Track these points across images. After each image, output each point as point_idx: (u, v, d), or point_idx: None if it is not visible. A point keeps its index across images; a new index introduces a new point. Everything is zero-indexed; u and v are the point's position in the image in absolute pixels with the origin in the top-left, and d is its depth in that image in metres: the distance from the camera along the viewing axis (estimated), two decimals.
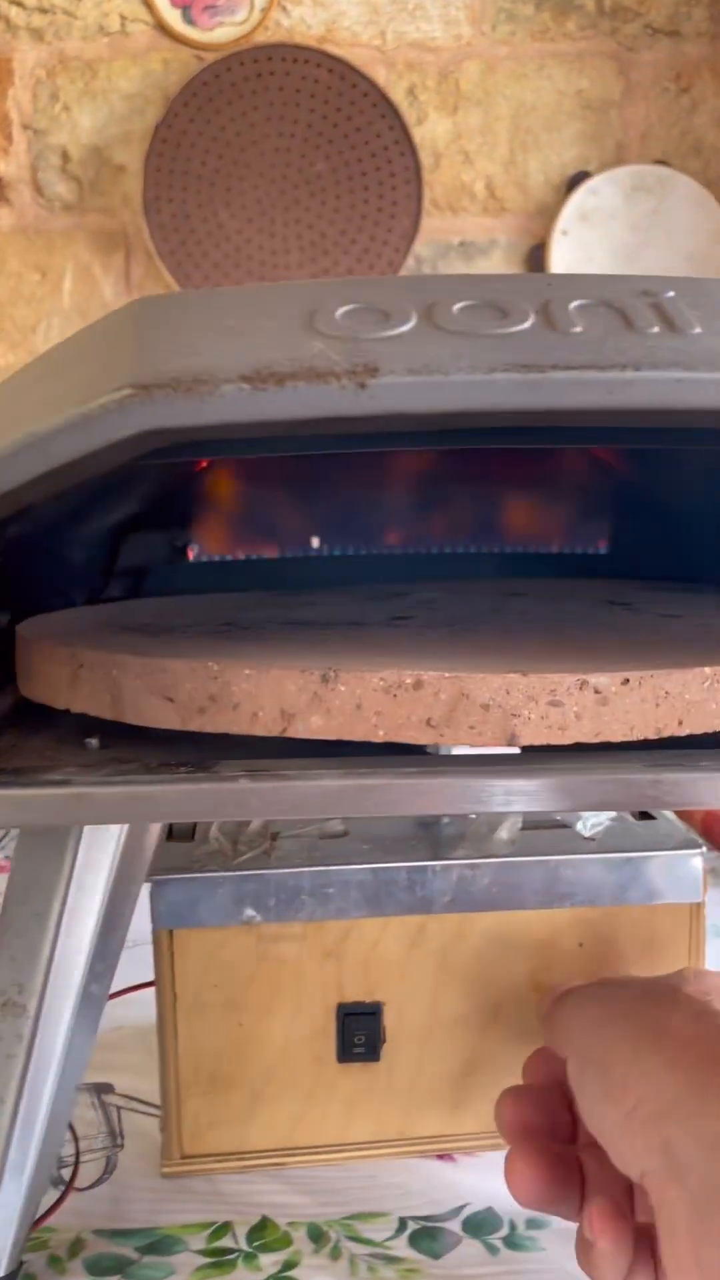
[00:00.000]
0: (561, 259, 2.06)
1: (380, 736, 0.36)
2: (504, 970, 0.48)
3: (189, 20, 2.00)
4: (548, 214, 2.09)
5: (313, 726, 0.37)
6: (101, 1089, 0.54)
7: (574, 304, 0.34)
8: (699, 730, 0.38)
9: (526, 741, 0.36)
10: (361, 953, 0.48)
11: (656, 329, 0.33)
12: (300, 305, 0.34)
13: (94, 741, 0.43)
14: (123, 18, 2.00)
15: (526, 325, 0.33)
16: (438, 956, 0.48)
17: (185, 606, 0.54)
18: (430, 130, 2.07)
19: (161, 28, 2.01)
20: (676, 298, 0.35)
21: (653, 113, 2.11)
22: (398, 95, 2.06)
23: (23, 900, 0.43)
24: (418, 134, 2.06)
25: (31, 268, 2.07)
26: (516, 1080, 0.43)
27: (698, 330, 0.33)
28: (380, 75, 2.05)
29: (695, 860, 0.48)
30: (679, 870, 0.48)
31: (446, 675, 0.36)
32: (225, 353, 0.32)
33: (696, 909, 0.48)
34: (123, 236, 2.06)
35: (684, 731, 0.38)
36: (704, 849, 0.48)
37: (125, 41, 2.02)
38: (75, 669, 0.41)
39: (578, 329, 0.33)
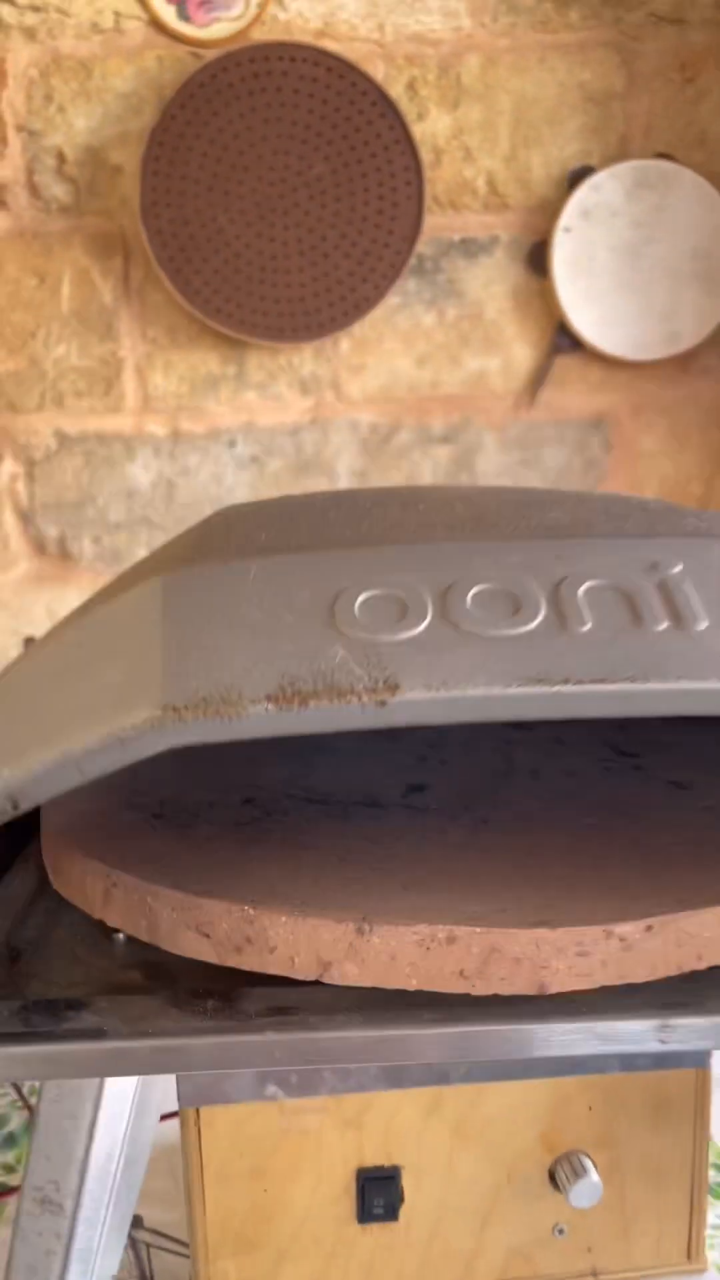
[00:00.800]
0: (564, 257, 2.04)
1: (414, 985, 0.38)
2: (517, 1133, 0.51)
3: (184, 16, 1.96)
4: (550, 210, 2.07)
5: (348, 975, 0.38)
6: (133, 1223, 0.57)
7: (584, 588, 0.35)
8: (716, 962, 0.40)
9: (555, 990, 0.38)
10: (381, 1122, 0.50)
11: (664, 625, 0.34)
12: (320, 591, 0.36)
13: (120, 937, 0.45)
14: (117, 15, 1.97)
15: (537, 623, 0.34)
16: (453, 1124, 0.50)
17: (199, 773, 0.55)
18: (431, 126, 2.04)
19: (156, 24, 1.97)
20: (683, 573, 0.36)
21: (656, 104, 2.07)
22: (397, 90, 2.02)
23: (57, 1099, 0.45)
24: (418, 130, 2.03)
25: (29, 272, 2.05)
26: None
27: (704, 626, 0.34)
28: (379, 70, 2.02)
29: None
30: None
31: (478, 931, 0.37)
32: (250, 665, 0.33)
33: (702, 1075, 0.50)
34: (120, 239, 2.04)
35: (703, 965, 0.39)
36: None
37: (119, 39, 1.98)
38: (108, 887, 0.43)
39: (587, 627, 0.34)
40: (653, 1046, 0.38)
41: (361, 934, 0.38)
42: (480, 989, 0.38)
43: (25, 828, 0.50)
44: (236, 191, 1.96)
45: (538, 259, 2.07)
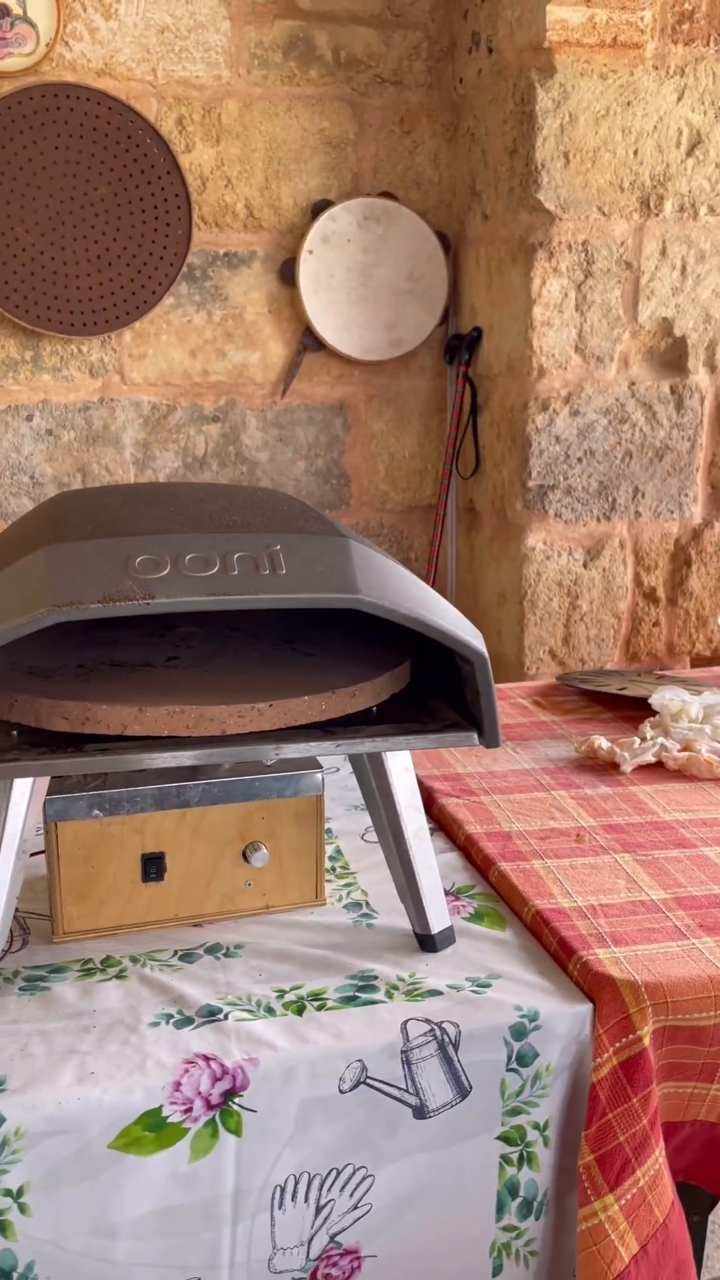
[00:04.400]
0: (308, 273, 2.50)
1: (165, 733, 0.84)
2: (226, 832, 0.98)
3: None
4: (297, 232, 2.52)
5: (135, 730, 0.84)
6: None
7: (236, 555, 0.83)
8: (305, 721, 0.88)
9: (231, 731, 0.85)
10: (153, 827, 0.96)
11: (267, 571, 0.82)
12: (120, 556, 0.81)
13: (14, 733, 0.89)
14: None
15: (214, 571, 0.81)
16: (192, 826, 0.97)
17: (50, 653, 0.99)
18: (198, 157, 2.45)
19: None
20: (280, 549, 0.84)
21: (381, 150, 2.55)
22: (169, 124, 2.41)
23: None
24: (187, 160, 2.43)
25: None
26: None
27: (284, 571, 0.82)
28: (153, 106, 2.40)
29: (317, 775, 0.99)
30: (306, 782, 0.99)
31: (193, 707, 0.84)
32: (88, 588, 0.78)
33: (318, 799, 0.99)
34: None
35: (299, 722, 0.87)
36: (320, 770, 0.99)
37: None
38: (11, 701, 0.87)
39: (235, 572, 0.81)
40: (272, 756, 0.85)
41: (141, 711, 0.84)
42: (196, 732, 0.84)
43: None
44: (31, 207, 2.31)
45: (287, 273, 2.52)
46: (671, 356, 2.38)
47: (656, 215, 2.29)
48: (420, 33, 2.52)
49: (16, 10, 2.26)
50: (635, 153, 2.26)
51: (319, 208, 2.50)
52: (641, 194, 2.28)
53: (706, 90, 2.27)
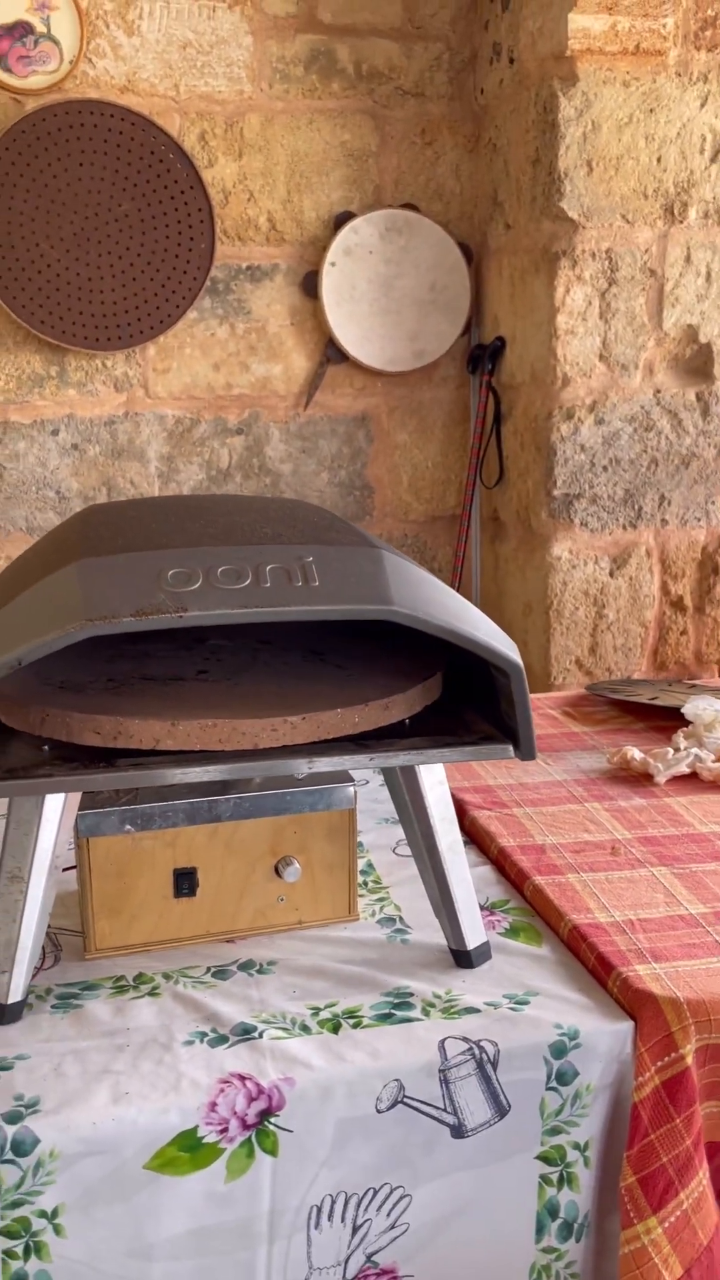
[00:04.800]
0: (331, 286, 2.50)
1: (197, 747, 0.83)
2: (257, 847, 0.97)
3: (6, 68, 2.29)
4: (319, 245, 2.52)
5: (167, 745, 0.83)
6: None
7: (269, 567, 0.82)
8: (340, 734, 0.87)
9: (265, 745, 0.84)
10: (185, 842, 0.95)
11: (300, 583, 0.81)
12: (152, 571, 0.80)
13: (45, 748, 0.88)
14: None
15: (247, 583, 0.80)
16: (224, 842, 0.96)
17: (80, 669, 0.98)
18: (220, 172, 2.45)
19: None
20: (312, 561, 0.83)
21: (403, 162, 2.56)
22: (191, 139, 2.42)
23: (17, 810, 0.88)
24: (210, 175, 2.44)
25: None
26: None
27: (316, 584, 0.81)
28: (176, 121, 2.41)
29: (349, 789, 0.98)
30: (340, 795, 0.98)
31: (225, 721, 0.83)
32: (121, 602, 0.78)
33: (350, 813, 0.98)
34: None
35: (336, 735, 0.86)
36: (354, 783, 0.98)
37: None
38: (43, 716, 0.86)
39: (268, 584, 0.80)
40: (304, 770, 0.84)
41: (174, 725, 0.83)
42: (229, 746, 0.83)
43: None
44: (56, 223, 2.32)
45: (310, 285, 2.53)
46: (697, 363, 2.36)
47: (680, 222, 2.28)
48: (441, 44, 2.53)
49: (40, 28, 2.28)
50: (659, 160, 2.25)
51: (341, 220, 2.50)
52: (665, 201, 2.27)
53: None
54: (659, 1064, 0.84)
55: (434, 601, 0.84)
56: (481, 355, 2.57)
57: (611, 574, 2.41)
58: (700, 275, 2.31)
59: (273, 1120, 0.79)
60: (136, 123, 2.32)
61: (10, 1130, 0.75)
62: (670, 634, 2.48)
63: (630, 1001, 0.86)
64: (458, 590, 2.70)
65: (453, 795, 1.25)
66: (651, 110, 2.22)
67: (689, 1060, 0.84)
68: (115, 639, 0.96)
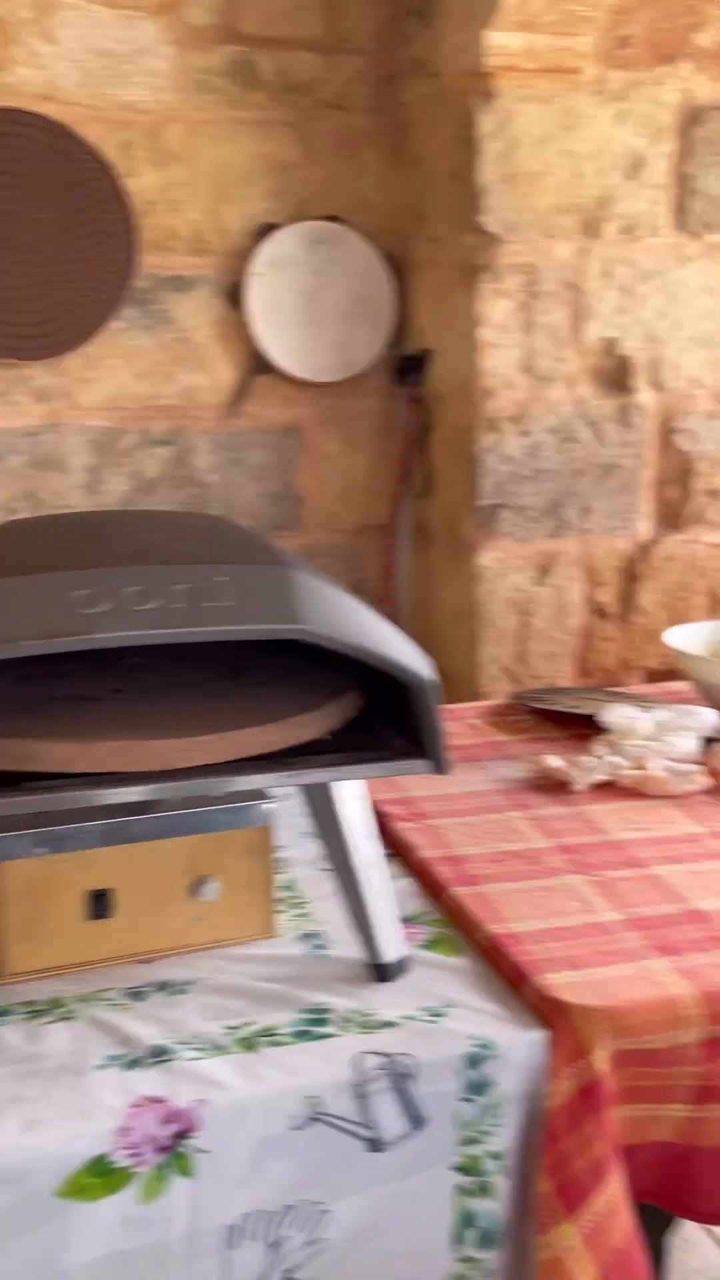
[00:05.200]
0: (256, 296, 2.50)
1: (109, 769, 0.83)
2: (174, 866, 0.96)
3: None
4: (244, 255, 2.52)
5: (80, 767, 0.82)
6: None
7: (179, 587, 0.82)
8: (253, 754, 0.87)
9: (175, 766, 0.84)
10: (99, 863, 0.94)
11: (210, 604, 0.81)
12: (62, 591, 0.80)
13: None
14: None
15: (156, 605, 0.80)
16: (139, 863, 0.95)
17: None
18: (143, 182, 2.44)
19: None
20: (225, 581, 0.83)
21: (327, 174, 2.56)
22: (113, 149, 2.40)
23: None
24: (133, 184, 2.42)
25: None
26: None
27: (229, 603, 0.81)
28: (97, 131, 2.39)
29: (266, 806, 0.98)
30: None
31: (138, 742, 0.82)
32: (28, 623, 0.77)
33: (265, 830, 0.98)
34: None
35: (248, 754, 0.86)
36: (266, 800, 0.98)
37: None
38: None
39: (179, 605, 0.80)
40: (219, 790, 0.84)
41: (84, 747, 0.82)
42: (141, 768, 0.83)
43: None
44: None
45: (235, 296, 2.52)
46: (617, 376, 2.40)
47: (599, 237, 2.32)
48: (363, 58, 2.54)
49: None
50: (577, 176, 2.29)
51: (265, 231, 2.50)
52: (584, 216, 2.31)
53: (645, 114, 2.30)
54: (572, 1071, 0.85)
55: (346, 619, 0.85)
56: (407, 366, 2.58)
57: (537, 583, 2.44)
58: (618, 290, 2.36)
59: (187, 1141, 0.78)
60: (54, 131, 2.30)
61: None
62: (595, 641, 2.52)
63: (544, 1010, 0.87)
64: (388, 600, 2.72)
65: (376, 807, 1.26)
66: (569, 127, 2.26)
67: (601, 1067, 0.85)
68: (26, 661, 0.95)
